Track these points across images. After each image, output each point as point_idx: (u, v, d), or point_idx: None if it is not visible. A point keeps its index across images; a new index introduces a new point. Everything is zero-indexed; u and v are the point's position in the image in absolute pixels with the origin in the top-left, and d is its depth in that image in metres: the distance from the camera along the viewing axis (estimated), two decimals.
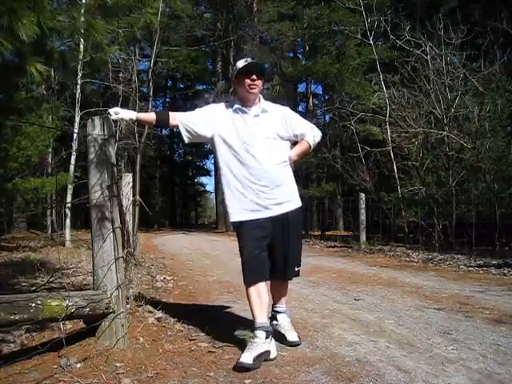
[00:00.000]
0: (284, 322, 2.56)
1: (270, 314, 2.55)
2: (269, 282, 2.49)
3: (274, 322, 2.58)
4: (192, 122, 2.46)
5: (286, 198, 2.42)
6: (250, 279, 2.31)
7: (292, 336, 2.49)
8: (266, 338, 2.22)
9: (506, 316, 3.09)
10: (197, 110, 2.56)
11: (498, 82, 8.34)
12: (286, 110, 2.59)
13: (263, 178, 2.35)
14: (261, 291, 2.32)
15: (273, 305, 2.62)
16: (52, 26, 2.20)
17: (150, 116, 2.60)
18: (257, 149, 2.36)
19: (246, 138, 2.37)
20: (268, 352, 2.20)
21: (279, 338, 2.47)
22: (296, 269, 2.51)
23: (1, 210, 10.14)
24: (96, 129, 2.22)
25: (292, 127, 2.50)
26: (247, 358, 2.10)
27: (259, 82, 2.41)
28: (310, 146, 2.56)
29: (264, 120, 2.44)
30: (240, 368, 2.06)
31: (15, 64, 2.50)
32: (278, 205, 2.38)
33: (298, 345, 2.44)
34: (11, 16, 1.99)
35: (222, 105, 2.54)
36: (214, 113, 2.49)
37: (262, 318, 2.29)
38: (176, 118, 2.48)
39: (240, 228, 2.38)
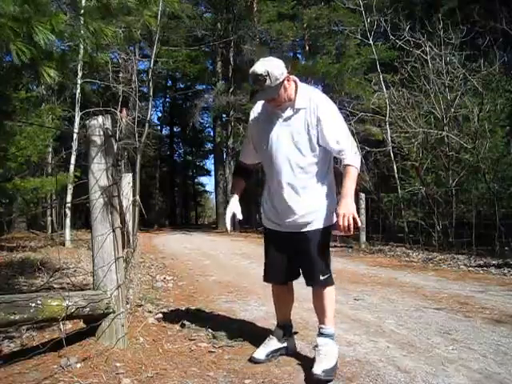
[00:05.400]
0: (319, 348, 2.11)
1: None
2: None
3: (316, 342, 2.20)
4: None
5: (306, 218, 2.11)
6: (265, 279, 2.35)
7: (317, 368, 1.99)
8: (283, 336, 2.30)
9: (505, 316, 3.10)
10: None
11: (497, 82, 8.37)
12: (320, 111, 2.06)
13: (282, 200, 2.13)
14: (277, 293, 2.36)
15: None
16: (61, 29, 2.23)
17: (241, 184, 2.39)
18: (279, 163, 2.11)
19: (273, 149, 2.13)
20: (285, 348, 2.29)
21: (310, 364, 2.07)
22: (321, 277, 2.11)
23: (1, 209, 10.12)
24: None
25: (321, 140, 2.07)
26: (261, 353, 2.22)
27: (266, 96, 2.07)
28: (357, 172, 2.07)
29: (293, 122, 2.09)
30: (252, 361, 2.18)
31: (28, 67, 2.49)
32: (297, 224, 2.13)
33: (321, 380, 1.95)
34: (30, 23, 2.04)
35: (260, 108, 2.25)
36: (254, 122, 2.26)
37: (279, 317, 2.38)
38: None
39: (265, 233, 2.36)
